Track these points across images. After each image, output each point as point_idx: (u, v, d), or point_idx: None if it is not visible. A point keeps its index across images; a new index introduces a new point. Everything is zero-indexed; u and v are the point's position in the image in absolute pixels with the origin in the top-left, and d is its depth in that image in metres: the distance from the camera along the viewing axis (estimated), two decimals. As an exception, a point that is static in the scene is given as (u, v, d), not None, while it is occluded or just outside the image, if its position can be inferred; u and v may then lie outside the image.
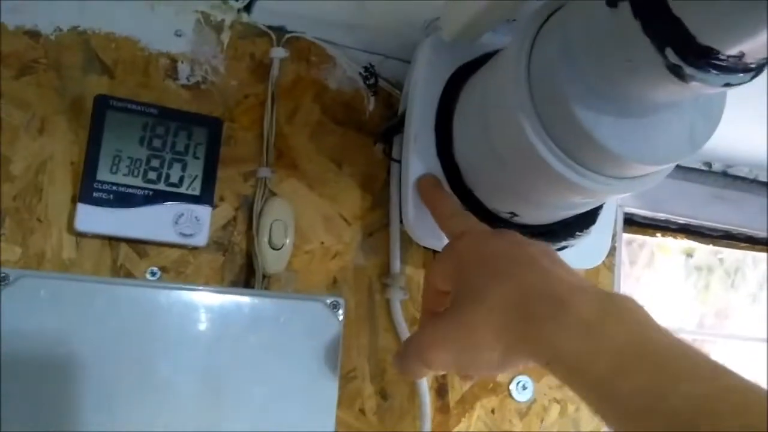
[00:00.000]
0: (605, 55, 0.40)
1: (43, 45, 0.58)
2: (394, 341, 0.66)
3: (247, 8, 0.63)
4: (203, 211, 0.59)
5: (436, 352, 0.45)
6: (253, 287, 0.61)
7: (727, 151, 0.87)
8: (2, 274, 0.51)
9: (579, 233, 0.60)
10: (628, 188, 0.48)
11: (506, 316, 0.41)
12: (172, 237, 0.58)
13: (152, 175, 0.58)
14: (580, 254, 0.61)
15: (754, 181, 0.95)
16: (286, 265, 0.62)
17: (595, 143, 0.42)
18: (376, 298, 0.67)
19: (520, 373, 0.72)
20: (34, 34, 0.57)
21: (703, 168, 0.93)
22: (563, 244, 0.60)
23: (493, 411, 0.71)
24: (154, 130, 0.58)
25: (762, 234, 0.96)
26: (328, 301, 0.61)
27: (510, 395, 0.72)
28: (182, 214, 0.58)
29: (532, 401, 0.72)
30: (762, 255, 1.03)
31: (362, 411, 0.65)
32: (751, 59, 0.35)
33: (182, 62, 0.62)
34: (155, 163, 0.58)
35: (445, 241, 0.51)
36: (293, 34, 0.66)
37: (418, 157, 0.59)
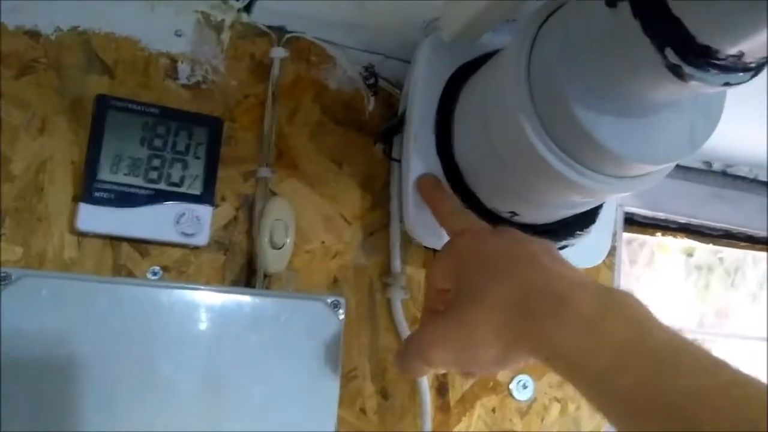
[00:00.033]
0: (605, 55, 0.40)
1: (44, 45, 0.58)
2: (395, 341, 0.66)
3: (247, 8, 0.64)
4: (204, 211, 0.59)
5: (436, 351, 0.45)
6: (254, 287, 0.61)
7: (726, 150, 0.87)
8: (4, 274, 0.51)
9: (579, 232, 0.60)
10: (628, 187, 0.48)
11: (506, 314, 0.41)
12: (173, 236, 0.58)
13: (153, 174, 0.58)
14: (580, 253, 0.61)
15: (754, 181, 0.95)
16: (286, 264, 0.62)
17: (594, 143, 0.42)
18: (377, 297, 0.67)
19: (520, 372, 0.72)
20: (34, 34, 0.57)
21: (703, 167, 0.93)
22: (563, 243, 0.60)
23: (493, 410, 0.71)
24: (155, 130, 0.58)
25: (762, 233, 0.96)
26: (329, 301, 0.61)
27: (510, 394, 0.72)
28: (183, 214, 0.58)
29: (533, 400, 0.73)
30: (762, 254, 1.04)
31: (363, 410, 0.65)
32: (750, 59, 0.35)
33: (182, 62, 0.62)
34: (156, 162, 0.58)
35: (446, 239, 0.51)
36: (293, 34, 0.66)
37: (418, 157, 0.59)
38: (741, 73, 0.36)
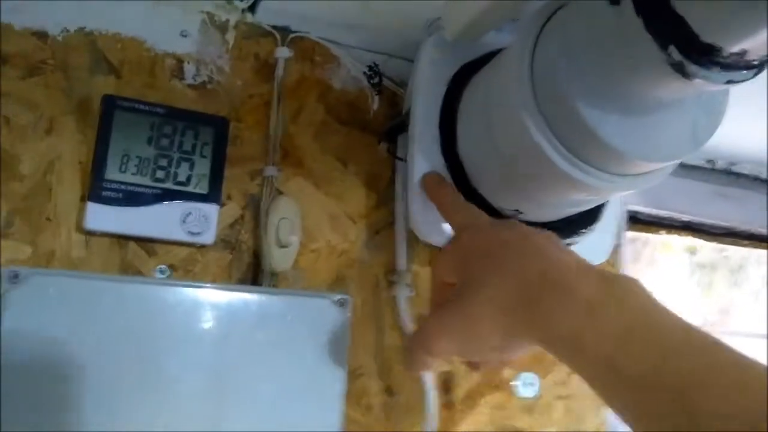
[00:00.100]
0: (608, 53, 0.40)
1: (51, 46, 0.58)
2: (400, 338, 0.67)
3: (252, 8, 0.64)
4: (211, 210, 0.60)
5: (439, 341, 0.45)
6: (260, 285, 0.61)
7: (730, 148, 0.87)
8: (13, 273, 0.51)
9: (583, 231, 0.60)
10: (631, 185, 0.48)
11: (509, 301, 0.41)
12: (180, 235, 0.58)
13: (160, 174, 0.58)
14: (583, 252, 0.60)
15: (757, 179, 0.95)
16: (292, 263, 0.62)
17: (599, 141, 0.43)
18: (382, 295, 0.67)
19: (525, 370, 0.72)
20: (41, 35, 0.58)
21: (706, 165, 0.93)
22: (567, 241, 0.60)
23: (498, 407, 0.71)
24: (162, 130, 0.59)
25: (764, 231, 0.96)
26: (335, 299, 0.61)
27: (515, 392, 0.72)
28: (190, 213, 0.59)
29: (538, 398, 0.73)
30: (764, 252, 1.04)
31: (369, 408, 0.65)
32: (753, 57, 0.35)
33: (188, 62, 0.63)
34: (163, 162, 0.58)
35: (450, 236, 0.52)
36: (297, 34, 0.66)
37: (422, 156, 0.59)
38: (744, 71, 0.36)
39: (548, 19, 0.46)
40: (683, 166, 0.88)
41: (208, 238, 0.59)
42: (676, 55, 0.35)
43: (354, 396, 0.64)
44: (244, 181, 0.63)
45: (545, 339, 0.39)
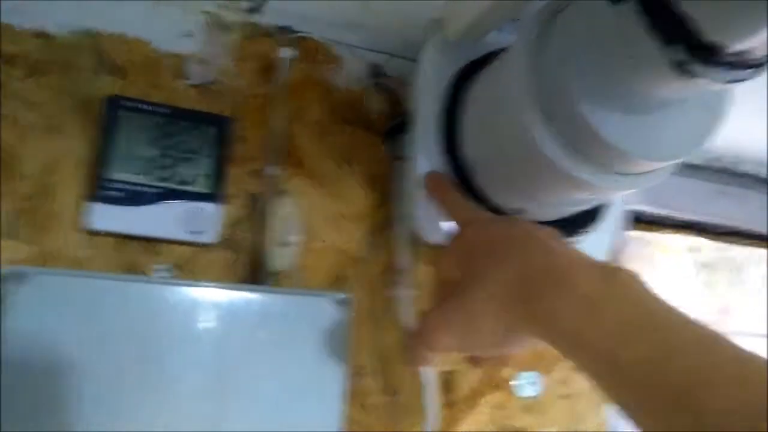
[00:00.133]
0: (610, 53, 0.40)
1: (53, 46, 0.58)
2: (401, 338, 0.67)
3: (255, 9, 0.64)
4: (212, 209, 0.60)
5: (439, 335, 0.45)
6: (261, 284, 0.61)
7: (732, 147, 0.87)
8: (15, 272, 0.51)
9: (584, 230, 0.60)
10: (634, 185, 0.48)
11: (508, 294, 0.41)
12: (182, 235, 0.58)
13: (162, 173, 0.58)
14: (585, 250, 0.61)
15: (759, 178, 0.95)
16: (294, 262, 0.62)
17: (601, 140, 0.43)
18: (383, 294, 0.67)
19: (525, 370, 0.72)
20: (44, 36, 0.58)
21: (708, 165, 0.93)
22: (569, 240, 0.60)
23: (498, 406, 0.71)
24: (165, 130, 0.59)
25: (765, 230, 0.96)
26: (336, 298, 0.61)
27: (515, 391, 0.72)
28: (192, 212, 0.59)
29: (538, 397, 0.73)
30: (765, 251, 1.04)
31: (369, 407, 0.65)
32: (755, 55, 0.35)
33: (191, 62, 0.63)
34: (166, 161, 0.59)
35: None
36: (300, 34, 0.66)
37: (424, 156, 0.59)
38: (746, 70, 0.36)
39: (550, 19, 0.46)
40: (685, 165, 0.88)
41: (210, 237, 0.59)
42: (679, 55, 0.35)
43: (354, 395, 0.64)
44: (246, 180, 0.63)
45: (547, 334, 0.39)
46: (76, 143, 0.58)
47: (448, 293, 0.48)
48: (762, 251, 1.03)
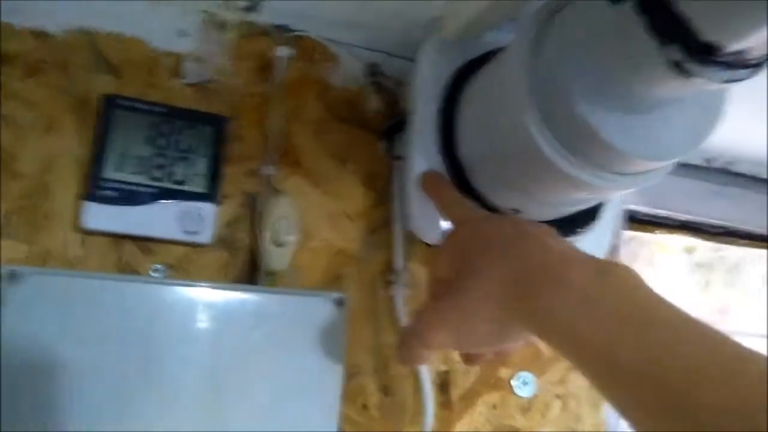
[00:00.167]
0: (608, 53, 0.40)
1: (51, 45, 0.58)
2: (398, 337, 0.67)
3: (252, 8, 0.64)
4: (208, 209, 0.59)
5: (434, 332, 0.45)
6: (257, 284, 0.61)
7: (728, 147, 0.87)
8: (10, 272, 0.51)
9: (581, 229, 0.61)
10: (630, 184, 0.48)
11: (502, 289, 0.41)
12: (177, 234, 0.58)
13: (158, 173, 0.58)
14: (583, 250, 0.61)
15: (755, 178, 0.95)
16: (290, 261, 0.62)
17: (599, 140, 0.43)
18: (380, 294, 0.67)
19: (522, 369, 0.72)
20: (41, 35, 0.58)
21: (704, 165, 0.93)
22: (566, 239, 0.60)
23: (495, 406, 0.71)
24: (160, 129, 0.59)
25: (761, 231, 0.96)
26: (332, 298, 0.61)
27: (512, 391, 0.72)
28: (187, 212, 0.58)
29: (534, 397, 0.73)
30: (763, 252, 1.04)
31: (366, 406, 0.65)
32: (752, 55, 0.35)
33: (188, 61, 0.62)
34: (161, 161, 0.58)
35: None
36: (297, 33, 0.66)
37: (421, 155, 0.59)
38: (743, 70, 0.36)
39: (548, 19, 0.46)
40: (681, 165, 0.88)
41: (206, 237, 0.59)
42: (676, 54, 0.35)
43: (351, 395, 0.64)
44: (241, 180, 0.63)
45: (542, 330, 0.39)
46: (73, 142, 0.58)
47: (443, 291, 0.48)
48: (758, 251, 1.03)
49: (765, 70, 0.37)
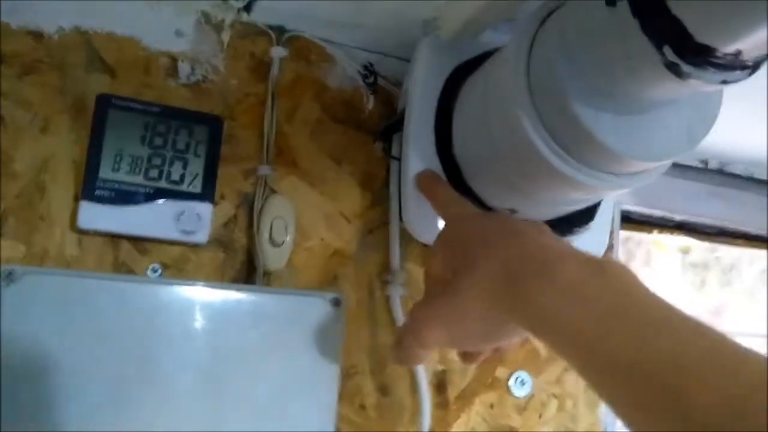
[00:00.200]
0: (604, 53, 0.41)
1: (46, 45, 0.58)
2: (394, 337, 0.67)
3: (247, 8, 0.64)
4: (204, 209, 0.59)
5: (429, 330, 0.45)
6: (253, 284, 0.61)
7: (723, 148, 0.87)
8: (7, 272, 0.51)
9: (577, 229, 0.61)
10: (625, 184, 0.48)
11: (494, 284, 0.41)
12: (173, 234, 0.58)
13: (154, 173, 0.58)
14: (578, 250, 0.62)
15: (750, 179, 0.96)
16: (286, 262, 0.62)
17: (593, 140, 0.43)
18: (376, 294, 0.67)
19: (518, 369, 0.72)
20: (36, 35, 0.58)
21: (700, 165, 0.93)
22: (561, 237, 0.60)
23: (492, 406, 0.71)
24: (156, 129, 0.59)
25: (757, 231, 0.97)
26: (329, 298, 0.61)
27: (509, 391, 0.72)
28: (183, 212, 0.58)
29: (531, 396, 0.73)
30: (758, 252, 1.04)
31: (363, 407, 0.65)
32: (747, 57, 0.35)
33: (183, 61, 0.62)
34: (157, 161, 0.58)
35: None
36: (293, 33, 0.66)
37: (417, 155, 0.59)
38: (738, 72, 0.36)
39: (545, 19, 0.47)
40: (676, 166, 0.89)
41: (202, 237, 0.59)
42: (671, 56, 0.35)
43: (348, 395, 0.64)
44: (237, 180, 0.63)
45: (530, 324, 0.39)
46: (68, 142, 0.58)
47: (439, 290, 0.48)
48: (754, 252, 1.03)
49: (761, 71, 0.37)
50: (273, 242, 0.61)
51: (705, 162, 0.93)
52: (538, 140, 0.46)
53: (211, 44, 0.64)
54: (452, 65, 0.60)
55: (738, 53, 0.35)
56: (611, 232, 0.74)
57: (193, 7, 0.63)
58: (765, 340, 1.14)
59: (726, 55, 0.35)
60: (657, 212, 0.91)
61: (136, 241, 0.59)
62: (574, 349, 0.36)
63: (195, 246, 0.60)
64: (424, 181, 0.58)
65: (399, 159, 0.63)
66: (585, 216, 0.61)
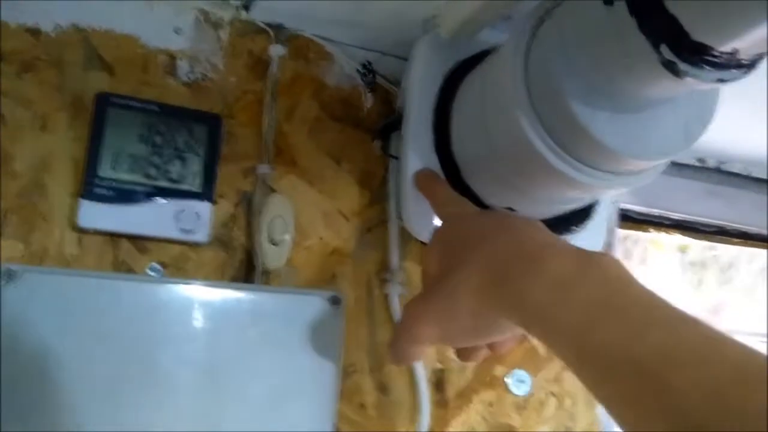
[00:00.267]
0: (601, 52, 0.41)
1: (45, 43, 0.58)
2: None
3: (246, 6, 0.64)
4: (204, 208, 0.60)
5: (422, 326, 0.45)
6: (253, 283, 0.61)
7: (720, 147, 0.87)
8: (7, 270, 0.51)
9: (575, 228, 0.61)
10: (623, 183, 0.48)
11: (483, 279, 0.41)
12: (172, 233, 0.58)
13: (153, 171, 0.58)
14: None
15: (748, 177, 0.96)
16: (285, 260, 0.62)
17: (591, 139, 0.43)
18: (375, 293, 0.67)
19: (517, 367, 0.73)
20: (35, 32, 0.58)
21: (697, 164, 0.93)
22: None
23: (491, 404, 0.71)
24: (155, 127, 0.59)
25: (755, 229, 0.97)
26: (328, 296, 0.61)
27: (507, 389, 0.72)
28: (183, 211, 0.59)
29: (530, 395, 0.73)
30: (756, 251, 1.04)
31: (362, 405, 0.66)
32: (744, 56, 0.35)
33: (182, 59, 0.62)
34: (156, 159, 0.58)
35: None
36: (292, 32, 0.66)
37: (415, 154, 0.59)
38: (735, 70, 0.36)
39: (543, 18, 0.47)
40: (674, 165, 0.89)
41: (201, 235, 0.59)
42: (668, 54, 0.35)
43: (347, 393, 0.64)
44: (237, 178, 0.63)
45: (518, 316, 0.39)
46: (68, 141, 0.57)
47: (432, 287, 0.48)
48: (752, 250, 1.04)
49: (758, 70, 0.37)
50: (272, 241, 0.61)
51: (703, 160, 0.93)
52: (535, 138, 0.46)
53: (209, 42, 0.64)
54: (451, 64, 0.60)
55: (735, 52, 0.35)
56: (609, 231, 0.74)
57: (191, 5, 0.63)
58: (763, 338, 1.14)
59: (723, 53, 0.35)
60: (655, 211, 0.91)
61: (135, 239, 0.59)
62: (564, 343, 0.36)
63: (194, 245, 0.60)
64: (422, 179, 0.58)
65: (397, 157, 0.64)
66: (583, 215, 0.61)
